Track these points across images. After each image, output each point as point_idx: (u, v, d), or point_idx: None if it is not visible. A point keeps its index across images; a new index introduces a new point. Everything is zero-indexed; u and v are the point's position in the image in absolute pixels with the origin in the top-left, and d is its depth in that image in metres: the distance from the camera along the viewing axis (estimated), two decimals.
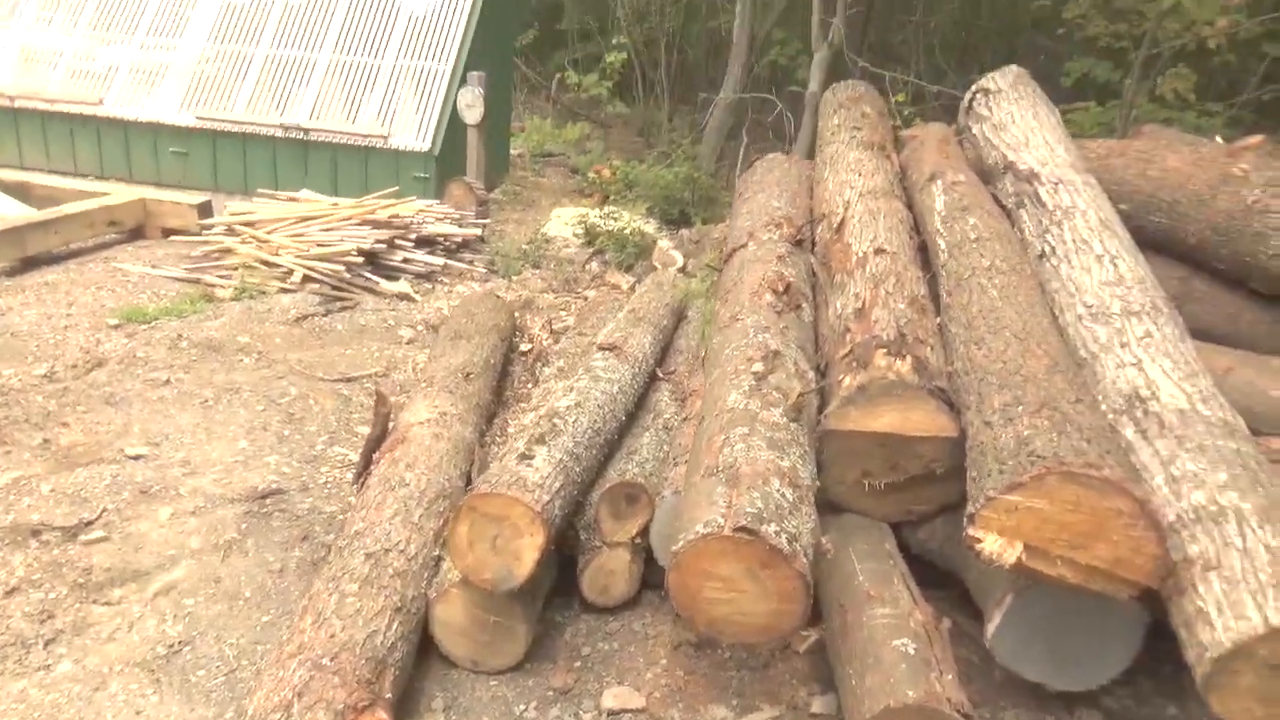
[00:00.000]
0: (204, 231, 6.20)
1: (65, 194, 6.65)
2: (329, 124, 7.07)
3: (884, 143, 4.52)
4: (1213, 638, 1.99)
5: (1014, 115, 4.06)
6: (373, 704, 2.26)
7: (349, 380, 4.54)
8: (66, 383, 4.18)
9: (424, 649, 2.69)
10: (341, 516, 3.33)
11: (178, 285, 5.63)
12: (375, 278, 5.80)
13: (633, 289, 5.68)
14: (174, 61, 7.34)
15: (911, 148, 4.48)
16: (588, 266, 6.77)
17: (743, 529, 2.19)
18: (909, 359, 2.77)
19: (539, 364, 4.56)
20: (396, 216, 6.12)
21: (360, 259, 5.76)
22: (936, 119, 5.58)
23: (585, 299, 5.90)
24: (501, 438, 3.77)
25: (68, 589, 2.91)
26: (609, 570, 2.97)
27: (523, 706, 2.63)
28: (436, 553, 2.81)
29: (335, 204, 6.28)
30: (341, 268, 5.67)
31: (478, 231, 6.62)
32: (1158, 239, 3.68)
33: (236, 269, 5.70)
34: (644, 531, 2.98)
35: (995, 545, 2.19)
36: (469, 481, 3.16)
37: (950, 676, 2.25)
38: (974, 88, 4.44)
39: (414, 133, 7.05)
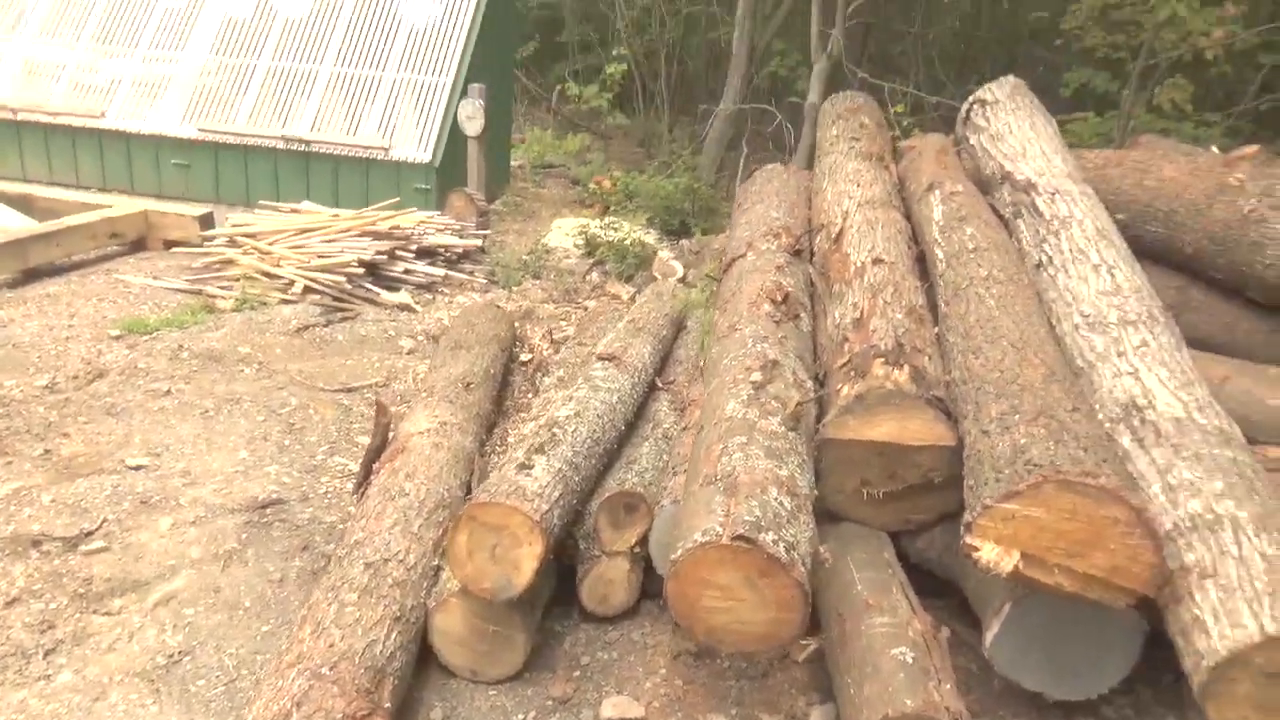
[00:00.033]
0: (205, 243, 6.22)
1: (67, 206, 6.68)
2: (330, 136, 7.10)
3: (882, 153, 4.55)
4: (1209, 646, 2.00)
5: (1011, 126, 4.09)
6: (371, 713, 2.26)
7: (349, 390, 4.55)
8: (68, 393, 4.19)
9: (423, 658, 2.70)
10: (341, 526, 3.34)
11: (179, 296, 5.65)
12: (376, 289, 5.82)
13: (633, 299, 5.70)
14: (176, 74, 7.38)
15: (909, 158, 4.51)
16: (588, 277, 6.79)
17: (741, 537, 2.20)
18: (907, 368, 2.78)
19: (539, 374, 4.57)
20: (397, 228, 6.15)
21: (361, 270, 5.78)
22: (936, 130, 5.62)
23: (585, 309, 5.92)
24: (502, 447, 3.78)
25: (68, 599, 2.91)
26: (608, 579, 2.98)
27: (522, 716, 2.63)
28: (436, 562, 2.81)
29: (336, 215, 6.30)
30: (342, 279, 5.68)
31: (478, 242, 6.65)
32: (1155, 248, 3.69)
33: (238, 280, 5.72)
34: (643, 541, 2.98)
35: (992, 554, 2.19)
36: (469, 491, 3.16)
37: (949, 685, 2.25)
38: (971, 99, 4.47)
39: (415, 144, 7.08)
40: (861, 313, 3.13)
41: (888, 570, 2.66)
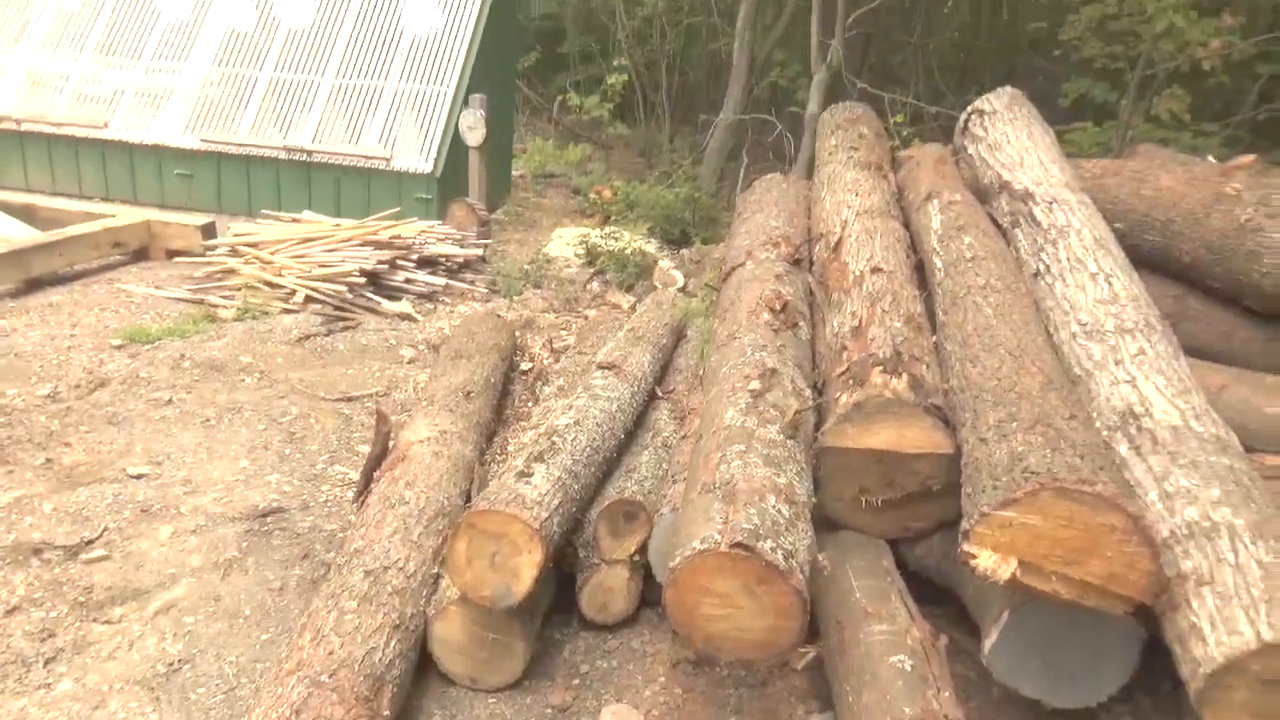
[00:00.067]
0: (207, 253, 6.24)
1: (70, 216, 6.71)
2: (332, 146, 7.14)
3: (881, 163, 4.57)
4: (1206, 653, 2.00)
5: (1009, 135, 4.11)
6: None
7: (350, 399, 4.57)
8: (69, 403, 4.20)
9: (422, 666, 2.70)
10: (342, 534, 3.34)
11: (181, 306, 5.67)
12: (377, 298, 5.84)
13: (633, 308, 5.71)
14: (179, 85, 7.42)
15: (908, 168, 4.53)
16: (589, 286, 6.81)
17: (739, 545, 2.20)
18: (905, 377, 2.79)
19: (539, 382, 4.58)
20: (398, 237, 6.17)
21: (362, 279, 5.80)
22: (935, 139, 5.63)
23: (586, 318, 5.93)
24: (502, 456, 3.79)
25: (68, 607, 2.92)
26: (607, 588, 2.98)
27: None
28: (435, 570, 2.82)
29: (338, 225, 6.33)
30: (344, 288, 5.70)
31: (479, 252, 6.67)
32: (1152, 257, 3.71)
33: (239, 290, 5.74)
34: (642, 549, 2.99)
35: (990, 561, 2.20)
36: (469, 499, 3.17)
37: (947, 693, 2.26)
38: (970, 109, 4.49)
39: (416, 154, 7.11)
40: (860, 321, 3.14)
41: (886, 578, 2.66)
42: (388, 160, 7.05)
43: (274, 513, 3.50)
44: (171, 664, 2.72)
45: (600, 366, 3.74)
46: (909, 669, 2.27)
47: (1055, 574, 2.17)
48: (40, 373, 4.49)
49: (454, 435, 3.48)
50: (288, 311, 5.54)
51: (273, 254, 5.97)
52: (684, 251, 7.65)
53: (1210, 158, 4.50)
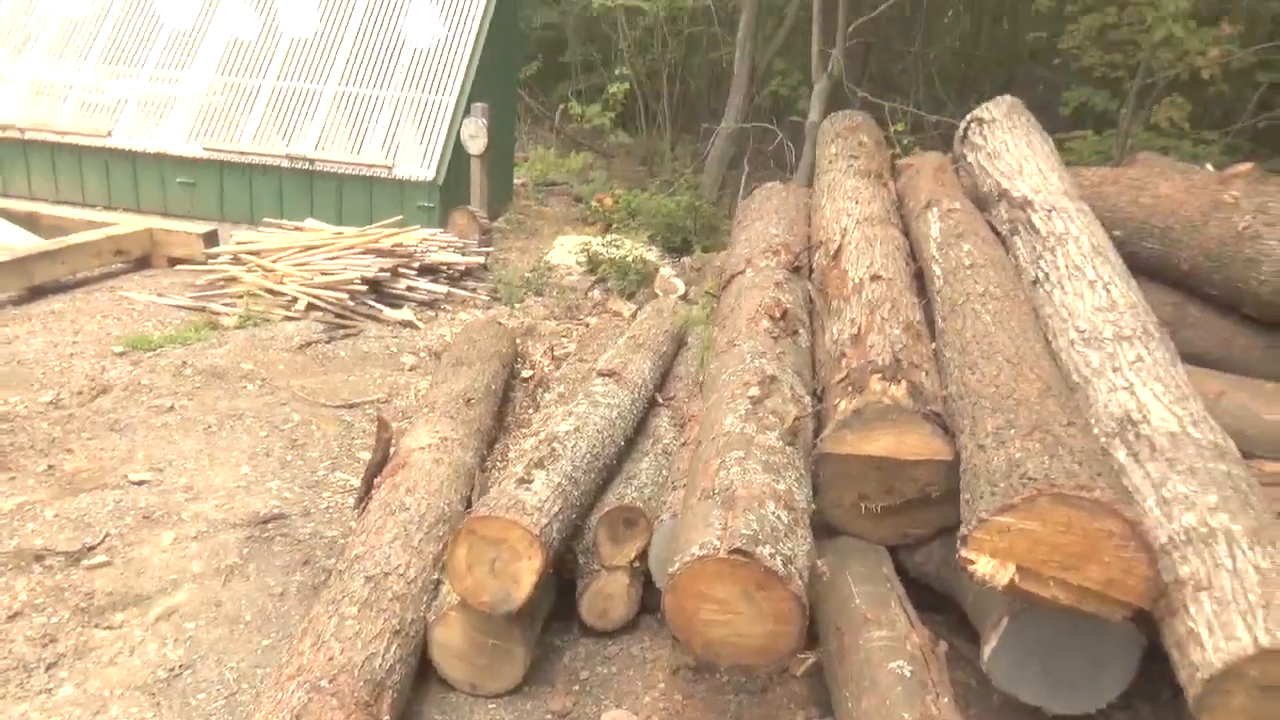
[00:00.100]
0: (210, 260, 6.27)
1: (73, 224, 6.74)
2: (334, 155, 7.16)
3: (881, 171, 4.58)
4: (1204, 658, 2.01)
5: (1008, 144, 4.12)
6: None
7: (351, 407, 4.58)
8: (72, 409, 4.22)
9: (422, 672, 2.71)
10: (343, 541, 3.35)
11: (183, 313, 5.69)
12: (379, 305, 5.85)
13: (634, 316, 5.72)
14: (182, 94, 7.45)
15: (908, 176, 4.54)
16: (590, 294, 6.82)
17: (738, 551, 2.21)
18: (904, 384, 2.80)
19: (540, 389, 4.59)
20: (400, 245, 6.19)
21: (364, 287, 5.82)
22: (936, 148, 5.66)
23: (587, 326, 5.95)
24: (502, 463, 3.80)
25: (70, 613, 2.93)
26: (607, 594, 2.99)
27: None
28: (435, 576, 2.83)
29: (340, 233, 6.35)
30: (345, 296, 5.72)
31: (481, 259, 6.69)
32: (1151, 265, 3.72)
33: (241, 297, 5.76)
34: (642, 555, 3.00)
35: (988, 567, 2.20)
36: (469, 506, 3.18)
37: (947, 699, 2.26)
38: (969, 117, 4.51)
39: (418, 163, 7.14)
40: (859, 328, 3.15)
41: (886, 584, 2.67)
42: (390, 168, 7.07)
43: (275, 519, 3.51)
44: (172, 669, 2.73)
45: (601, 374, 3.75)
46: (908, 675, 2.27)
47: (1053, 579, 2.18)
48: (43, 380, 4.51)
49: (455, 442, 3.49)
50: (289, 319, 5.55)
51: (275, 262, 5.99)
52: (685, 259, 7.67)
53: (1209, 166, 4.51)
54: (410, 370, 5.14)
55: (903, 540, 2.87)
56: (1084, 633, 2.34)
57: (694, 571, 2.25)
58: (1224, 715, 2.00)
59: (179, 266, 6.45)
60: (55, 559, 3.16)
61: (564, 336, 5.79)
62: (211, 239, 6.60)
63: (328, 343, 5.33)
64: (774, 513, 2.36)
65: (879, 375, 2.83)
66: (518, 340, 5.23)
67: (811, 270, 4.01)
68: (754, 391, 2.90)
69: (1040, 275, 3.34)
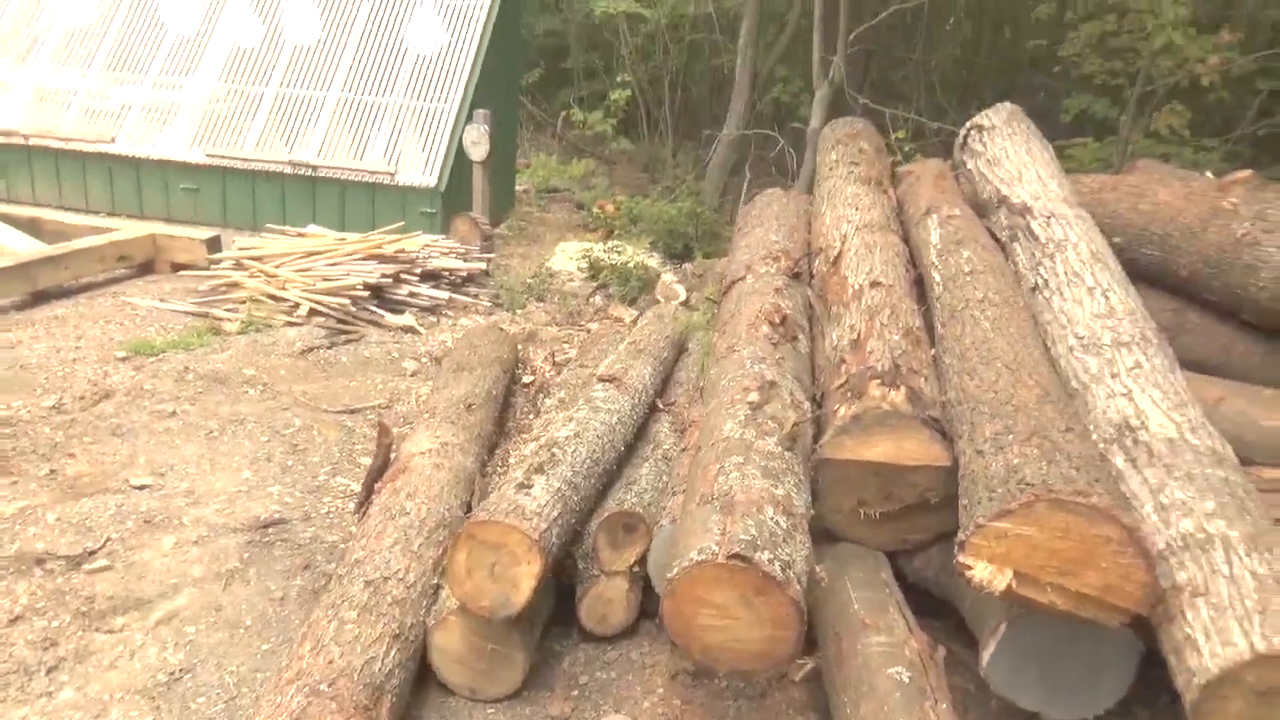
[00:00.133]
0: (212, 266, 6.29)
1: (76, 230, 6.76)
2: (337, 161, 7.19)
3: (881, 178, 4.60)
4: (1200, 664, 2.01)
5: (1007, 151, 4.14)
6: None
7: (353, 412, 4.59)
8: (74, 414, 4.23)
9: (422, 677, 2.71)
10: (343, 545, 3.36)
11: (185, 319, 5.71)
12: (380, 311, 5.87)
13: (635, 322, 5.73)
14: (185, 101, 7.48)
15: (908, 183, 4.56)
16: (591, 300, 6.84)
17: (736, 556, 2.22)
18: (903, 389, 2.80)
19: (541, 395, 4.60)
20: (402, 251, 6.21)
21: (366, 293, 5.83)
22: (937, 154, 5.66)
23: (588, 331, 5.96)
24: (503, 468, 3.80)
25: (71, 617, 2.94)
26: (607, 599, 2.99)
27: None
28: (435, 581, 2.83)
29: (342, 239, 6.37)
30: (347, 301, 5.74)
31: (482, 266, 6.71)
32: (1151, 271, 3.73)
33: (244, 303, 5.78)
34: (642, 560, 3.00)
35: (985, 572, 2.21)
36: (470, 511, 3.18)
37: (945, 705, 2.26)
38: (969, 124, 4.53)
39: (421, 169, 7.16)
40: (859, 334, 3.17)
41: (884, 590, 2.67)
42: (392, 175, 7.10)
43: (276, 524, 3.52)
44: (172, 673, 2.74)
45: (601, 379, 3.76)
46: (907, 680, 2.28)
47: (1051, 585, 2.18)
48: (45, 384, 4.52)
49: (455, 447, 3.50)
50: (291, 324, 5.57)
51: (277, 267, 6.01)
52: (687, 266, 7.69)
53: (1208, 173, 4.52)
54: (411, 375, 5.15)
55: (901, 546, 2.88)
56: (1082, 638, 2.34)
57: (692, 576, 2.26)
58: None
59: (182, 272, 6.47)
60: (56, 563, 3.17)
61: (565, 342, 5.80)
62: (214, 245, 6.63)
63: (329, 348, 5.34)
64: (772, 518, 2.37)
65: (878, 381, 2.84)
66: (519, 346, 5.24)
67: (811, 276, 4.02)
68: (753, 397, 2.90)
69: (1039, 281, 3.35)
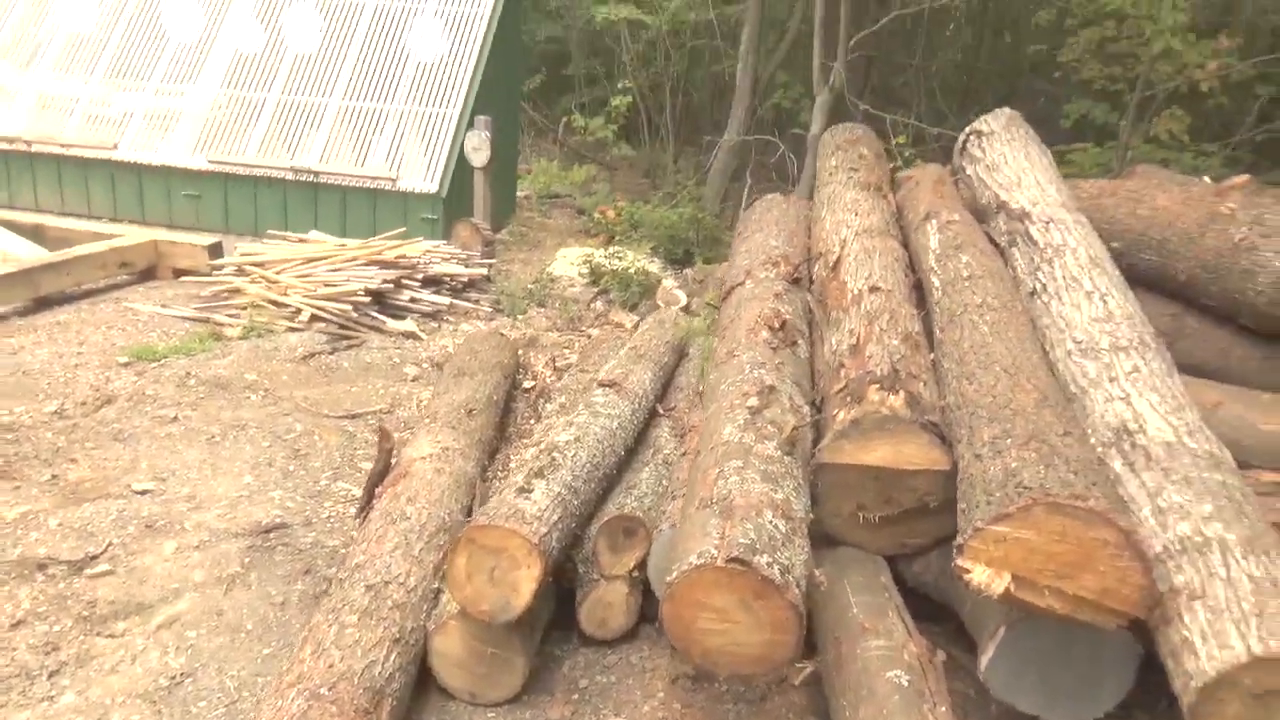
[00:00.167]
0: (214, 272, 6.31)
1: (78, 235, 6.78)
2: (339, 167, 7.21)
3: (880, 183, 4.61)
4: (1198, 667, 2.02)
5: (1006, 156, 4.15)
6: None
7: (354, 417, 4.60)
8: (76, 419, 4.25)
9: (422, 681, 2.72)
10: (344, 550, 3.36)
11: (187, 324, 5.73)
12: (382, 316, 5.88)
13: (636, 327, 5.74)
14: (187, 107, 7.51)
15: (907, 188, 4.57)
16: (592, 305, 6.84)
17: (735, 560, 2.22)
18: (902, 394, 2.81)
19: (542, 400, 4.61)
20: (404, 257, 6.23)
21: (367, 298, 5.85)
22: (937, 160, 5.69)
23: (589, 337, 5.97)
24: (504, 473, 3.81)
25: (72, 621, 2.95)
26: (607, 603, 3.00)
27: None
28: (436, 585, 2.84)
29: (343, 245, 6.39)
30: (349, 307, 5.75)
31: (484, 271, 6.72)
32: (1149, 276, 3.74)
33: (245, 308, 5.79)
34: (641, 564, 3.01)
35: (983, 576, 2.21)
36: (470, 515, 3.19)
37: (944, 709, 2.27)
38: (968, 130, 4.54)
39: (422, 175, 7.18)
40: (858, 339, 3.17)
41: (884, 594, 2.68)
42: (393, 181, 7.12)
43: (277, 528, 3.53)
44: (174, 677, 2.75)
45: (602, 384, 3.76)
46: (906, 684, 2.28)
47: (1049, 588, 2.19)
48: (47, 390, 4.54)
49: (456, 452, 3.51)
50: (293, 330, 5.58)
51: (279, 273, 6.03)
52: (687, 271, 7.70)
53: (1206, 178, 4.53)
54: (412, 381, 5.16)
55: (900, 550, 2.88)
56: (1081, 642, 2.35)
57: (692, 580, 2.26)
58: None
59: (184, 278, 6.49)
60: (58, 568, 3.18)
61: (566, 347, 5.81)
62: (216, 251, 6.65)
63: (331, 354, 5.36)
64: (771, 522, 2.38)
65: (877, 385, 2.85)
66: (520, 351, 5.25)
67: (811, 281, 4.03)
68: (753, 401, 2.91)
69: (1038, 286, 3.36)
